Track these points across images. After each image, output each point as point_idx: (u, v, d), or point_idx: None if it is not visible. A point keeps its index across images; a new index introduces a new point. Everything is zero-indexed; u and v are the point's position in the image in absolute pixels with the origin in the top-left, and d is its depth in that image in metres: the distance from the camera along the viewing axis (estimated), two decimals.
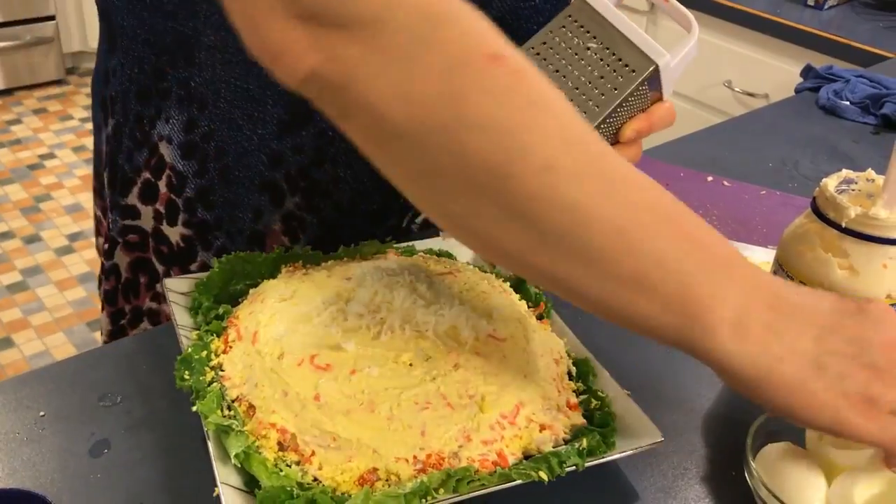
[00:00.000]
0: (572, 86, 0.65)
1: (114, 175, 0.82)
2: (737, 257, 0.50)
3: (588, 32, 0.63)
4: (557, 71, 0.66)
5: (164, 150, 0.77)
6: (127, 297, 0.87)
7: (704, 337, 0.48)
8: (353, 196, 0.79)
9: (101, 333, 0.91)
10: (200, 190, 0.77)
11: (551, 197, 0.45)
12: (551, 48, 0.66)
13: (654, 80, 0.63)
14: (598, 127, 0.62)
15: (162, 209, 0.80)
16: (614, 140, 0.65)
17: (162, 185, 0.79)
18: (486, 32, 0.46)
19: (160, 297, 0.85)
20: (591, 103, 0.64)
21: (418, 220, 0.87)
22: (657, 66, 0.62)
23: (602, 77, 0.63)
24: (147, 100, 0.76)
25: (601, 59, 0.64)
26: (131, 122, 0.78)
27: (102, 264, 0.89)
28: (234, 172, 0.76)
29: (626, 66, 0.62)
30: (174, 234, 0.80)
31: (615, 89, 0.63)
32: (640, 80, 0.62)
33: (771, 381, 0.48)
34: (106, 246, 0.86)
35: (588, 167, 0.46)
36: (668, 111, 0.66)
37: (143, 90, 0.76)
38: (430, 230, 0.87)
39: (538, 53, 0.66)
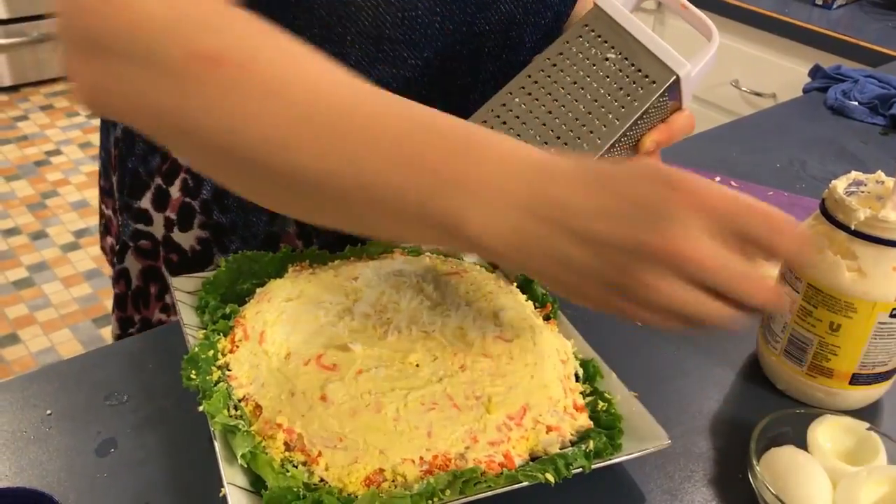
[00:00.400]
0: (591, 98, 0.63)
1: (123, 178, 0.82)
2: (468, 144, 0.47)
3: (606, 42, 0.62)
4: (575, 83, 0.64)
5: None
6: (137, 305, 0.86)
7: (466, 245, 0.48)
8: None
9: (112, 338, 0.90)
10: (216, 192, 0.77)
11: (290, 172, 0.47)
12: (568, 59, 0.64)
13: (674, 90, 0.62)
14: (618, 140, 0.61)
15: (174, 216, 0.79)
16: (634, 151, 0.64)
17: (175, 190, 0.78)
18: (209, 30, 0.48)
19: (170, 309, 0.84)
20: (610, 116, 0.62)
21: None
22: (678, 76, 0.61)
23: (621, 88, 0.61)
24: None
25: (620, 70, 0.63)
26: None
27: (113, 265, 0.88)
28: None
29: (646, 77, 0.61)
30: (188, 238, 0.80)
31: (635, 101, 0.61)
32: (660, 91, 0.61)
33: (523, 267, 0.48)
34: (117, 247, 0.85)
35: (302, 136, 0.47)
36: (687, 121, 0.65)
37: None
38: None
39: (554, 64, 0.65)
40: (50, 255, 2.47)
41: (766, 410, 0.66)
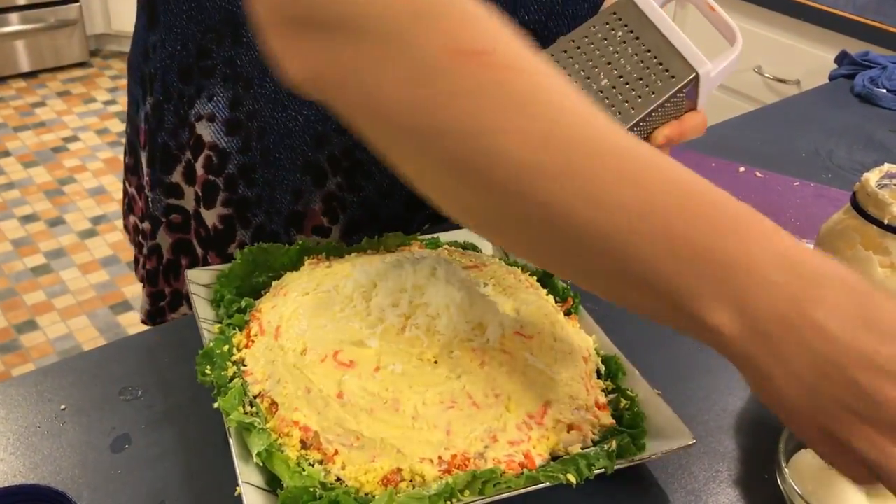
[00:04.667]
0: (608, 83, 0.63)
1: (153, 153, 0.81)
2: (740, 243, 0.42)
3: (632, 32, 0.62)
4: (596, 67, 0.64)
5: (203, 129, 0.77)
6: (167, 278, 0.87)
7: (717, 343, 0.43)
8: (394, 177, 0.77)
9: (140, 313, 0.91)
10: (243, 166, 0.77)
11: (529, 193, 0.42)
12: (592, 43, 0.65)
13: (692, 88, 0.62)
14: (631, 128, 0.61)
15: (199, 191, 0.79)
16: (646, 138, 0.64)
17: (199, 167, 0.78)
18: (471, 26, 0.43)
19: None
20: (626, 104, 0.63)
21: None
22: (697, 74, 0.61)
23: (640, 79, 0.62)
24: (189, 78, 0.76)
25: (641, 61, 0.63)
26: (175, 99, 0.78)
27: (140, 244, 0.89)
28: (275, 154, 0.76)
29: (667, 70, 0.61)
30: (211, 216, 0.80)
31: (653, 93, 0.62)
32: (678, 86, 0.61)
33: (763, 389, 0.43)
34: (147, 226, 0.85)
35: (571, 167, 0.42)
36: (700, 121, 0.64)
37: (185, 68, 0.76)
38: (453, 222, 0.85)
39: (578, 47, 0.65)
40: (67, 241, 2.48)
41: None
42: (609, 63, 0.63)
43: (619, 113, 0.62)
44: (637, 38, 0.62)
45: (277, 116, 0.74)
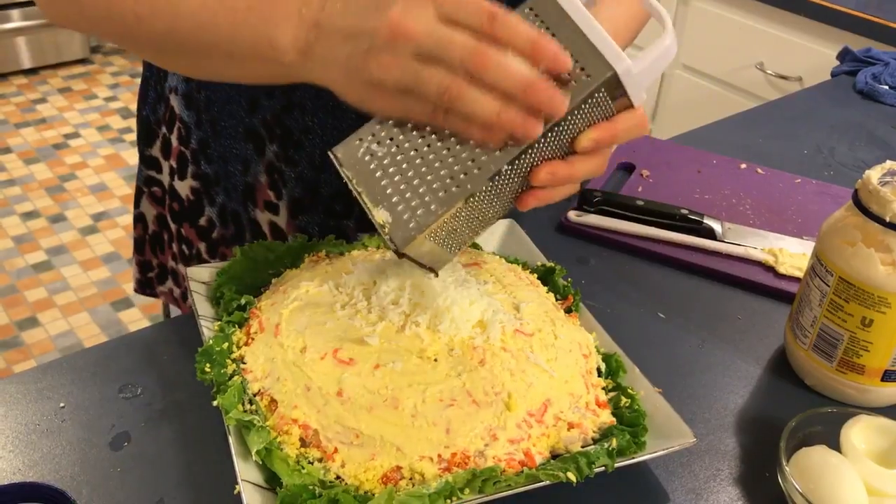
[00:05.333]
0: None
1: (140, 126, 0.88)
2: None
3: (548, 29, 0.54)
4: None
5: (174, 101, 0.82)
6: (154, 250, 0.93)
7: (288, 68, 0.55)
8: (324, 148, 0.79)
9: (133, 282, 0.96)
10: (201, 142, 0.81)
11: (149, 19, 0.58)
12: None
13: (615, 86, 0.55)
14: (544, 136, 0.54)
15: (174, 163, 0.84)
16: (569, 151, 0.56)
17: (174, 139, 0.83)
18: None
19: (176, 258, 0.89)
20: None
21: None
22: (615, 72, 0.54)
23: (555, 80, 0.53)
24: None
25: None
26: (156, 74, 0.84)
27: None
28: (221, 122, 0.79)
29: (582, 69, 0.54)
30: (184, 187, 0.84)
31: (567, 96, 0.53)
32: (594, 86, 0.54)
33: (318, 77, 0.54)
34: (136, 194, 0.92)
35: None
36: (636, 121, 0.57)
37: None
38: None
39: None
40: (69, 238, 2.48)
41: (794, 407, 0.64)
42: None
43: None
44: (554, 35, 0.54)
45: (216, 84, 0.78)
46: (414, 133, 0.54)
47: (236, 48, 0.56)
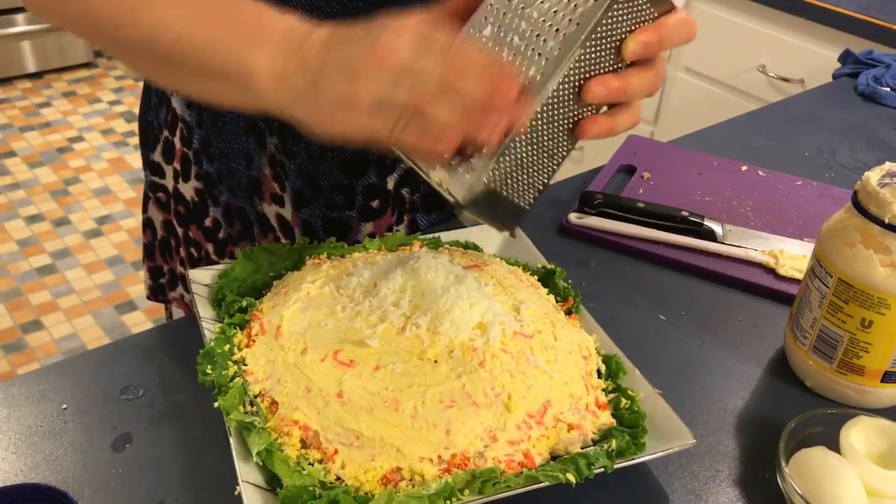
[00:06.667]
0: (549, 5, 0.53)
1: (143, 131, 0.89)
2: (263, 21, 0.56)
3: None
4: None
5: (175, 102, 0.82)
6: (164, 256, 0.93)
7: (253, 92, 0.55)
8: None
9: (145, 288, 0.96)
10: (203, 140, 0.82)
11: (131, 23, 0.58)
12: None
13: None
14: (583, 46, 0.51)
15: (178, 166, 0.84)
16: (616, 62, 0.53)
17: (177, 141, 0.84)
18: None
19: (184, 263, 0.89)
20: (567, 20, 0.52)
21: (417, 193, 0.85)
22: None
23: None
24: None
25: None
26: None
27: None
28: (223, 118, 0.79)
29: None
30: (188, 189, 0.85)
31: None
32: None
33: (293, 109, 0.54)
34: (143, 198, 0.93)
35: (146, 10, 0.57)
36: (682, 23, 0.54)
37: None
38: (453, 221, 0.85)
39: None
40: (72, 241, 2.49)
41: (793, 408, 0.64)
42: None
43: (564, 34, 0.52)
44: None
45: None
46: None
47: (207, 64, 0.56)
